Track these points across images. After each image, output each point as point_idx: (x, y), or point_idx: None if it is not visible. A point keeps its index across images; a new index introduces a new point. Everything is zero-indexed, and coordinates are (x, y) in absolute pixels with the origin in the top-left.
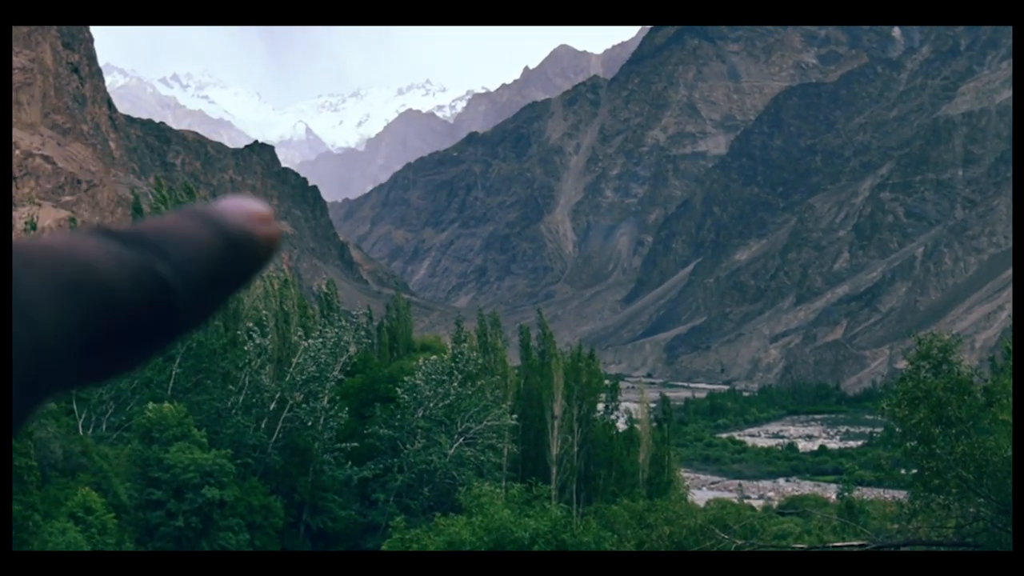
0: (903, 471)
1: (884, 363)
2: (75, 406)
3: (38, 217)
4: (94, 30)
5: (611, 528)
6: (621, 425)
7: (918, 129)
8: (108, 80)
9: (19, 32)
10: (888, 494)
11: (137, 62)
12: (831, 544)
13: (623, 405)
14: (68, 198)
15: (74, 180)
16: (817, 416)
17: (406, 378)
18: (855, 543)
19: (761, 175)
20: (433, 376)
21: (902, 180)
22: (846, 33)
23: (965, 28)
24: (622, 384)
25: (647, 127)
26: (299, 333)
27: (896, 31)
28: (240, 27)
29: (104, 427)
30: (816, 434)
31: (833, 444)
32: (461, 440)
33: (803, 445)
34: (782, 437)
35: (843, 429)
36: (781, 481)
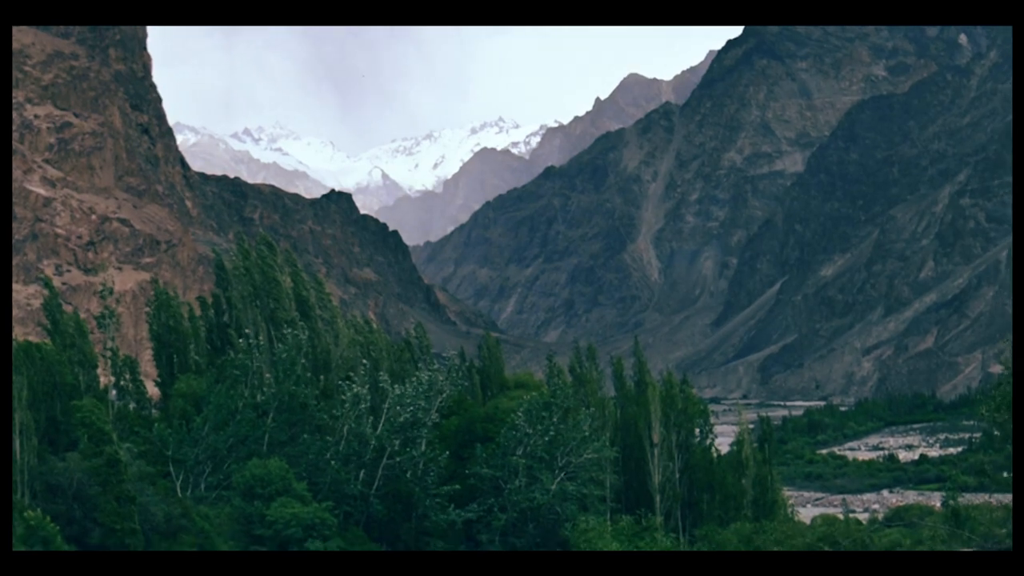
0: (1005, 474)
1: (977, 368)
2: (172, 468)
3: (114, 281)
4: (162, 90)
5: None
6: (722, 448)
7: (992, 133)
8: (179, 139)
9: (86, 96)
10: (992, 498)
11: (207, 119)
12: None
13: (724, 428)
14: (148, 260)
15: (153, 241)
16: (915, 425)
17: (511, 416)
18: (965, 551)
19: (840, 190)
20: (532, 412)
21: (980, 185)
22: (913, 43)
23: None
24: (719, 407)
25: (723, 150)
26: (386, 379)
27: (963, 38)
28: (310, 77)
29: (203, 487)
30: (915, 443)
31: (933, 452)
32: (563, 475)
33: (903, 455)
34: (882, 449)
35: (942, 436)
36: (885, 493)
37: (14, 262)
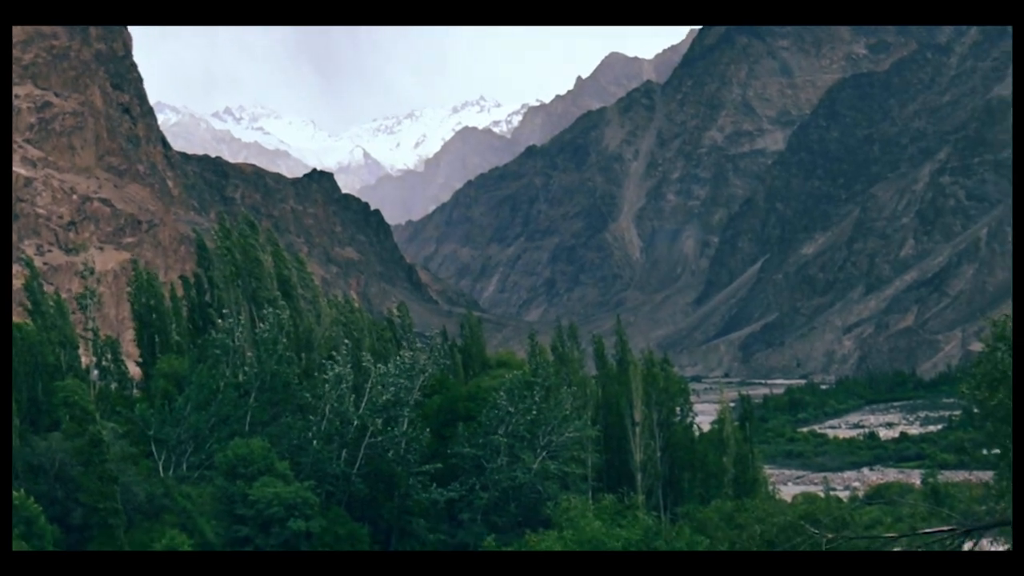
0: (984, 451)
1: (957, 346)
2: (154, 448)
3: (95, 261)
4: (143, 69)
5: (703, 531)
6: (703, 426)
7: (972, 111)
8: (160, 118)
9: (67, 76)
10: (972, 476)
11: (188, 98)
12: (922, 531)
13: (705, 407)
14: (130, 239)
15: (134, 221)
16: (895, 403)
17: (493, 395)
18: (945, 528)
19: (821, 168)
20: (514, 391)
21: (960, 163)
22: None
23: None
24: (700, 385)
25: (704, 128)
26: (368, 359)
27: None
28: (290, 56)
29: (184, 467)
30: (896, 421)
31: (913, 430)
32: (544, 454)
33: (884, 433)
34: (862, 427)
35: (922, 414)
36: (865, 471)
37: None
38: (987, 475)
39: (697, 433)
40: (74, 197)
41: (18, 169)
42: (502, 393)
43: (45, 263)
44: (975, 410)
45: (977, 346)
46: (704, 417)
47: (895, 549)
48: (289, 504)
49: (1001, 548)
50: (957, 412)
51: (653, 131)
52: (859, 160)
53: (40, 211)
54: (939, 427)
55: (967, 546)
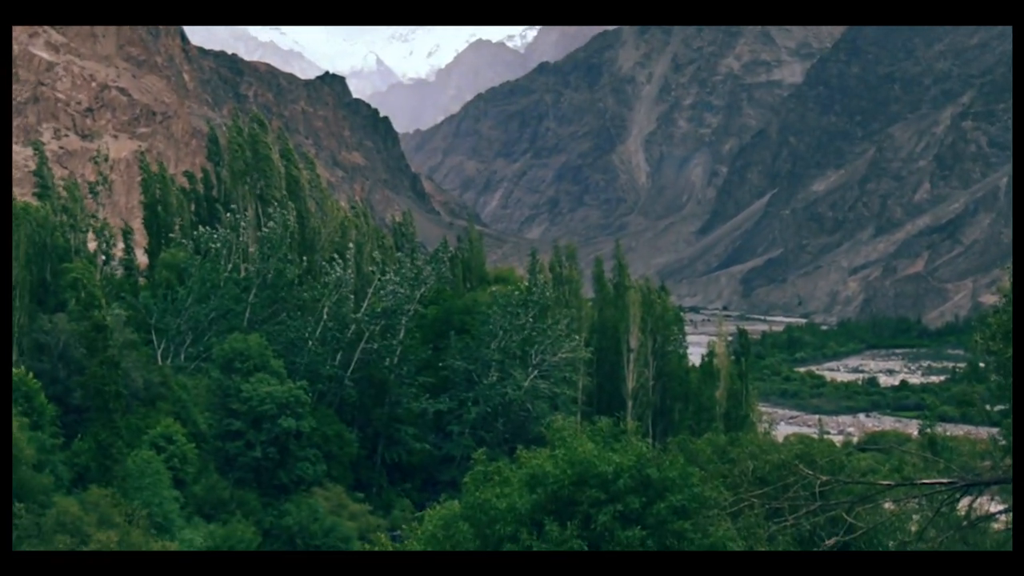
0: (988, 407)
1: (967, 296)
2: (154, 336)
3: (109, 149)
4: None
5: (694, 463)
6: (696, 359)
7: (1000, 56)
8: None
9: None
10: (977, 431)
11: None
12: (919, 481)
13: (702, 338)
14: (144, 129)
15: (149, 112)
16: (898, 350)
17: (487, 309)
18: (943, 481)
19: (838, 104)
20: (508, 308)
21: (984, 108)
22: None
23: None
24: (698, 317)
25: (720, 55)
26: (373, 266)
27: None
28: None
29: (183, 357)
30: (897, 369)
31: (915, 379)
32: (535, 373)
33: (884, 380)
34: (862, 372)
35: (925, 364)
36: (861, 416)
37: (15, 123)
38: (983, 431)
39: (691, 364)
40: (93, 84)
41: (41, 53)
42: (496, 308)
43: (61, 147)
44: (981, 364)
45: (989, 298)
46: (700, 349)
47: (889, 499)
48: (281, 403)
49: (1001, 507)
50: (962, 364)
51: (668, 55)
52: (878, 99)
53: (60, 96)
54: (942, 378)
55: (965, 501)
